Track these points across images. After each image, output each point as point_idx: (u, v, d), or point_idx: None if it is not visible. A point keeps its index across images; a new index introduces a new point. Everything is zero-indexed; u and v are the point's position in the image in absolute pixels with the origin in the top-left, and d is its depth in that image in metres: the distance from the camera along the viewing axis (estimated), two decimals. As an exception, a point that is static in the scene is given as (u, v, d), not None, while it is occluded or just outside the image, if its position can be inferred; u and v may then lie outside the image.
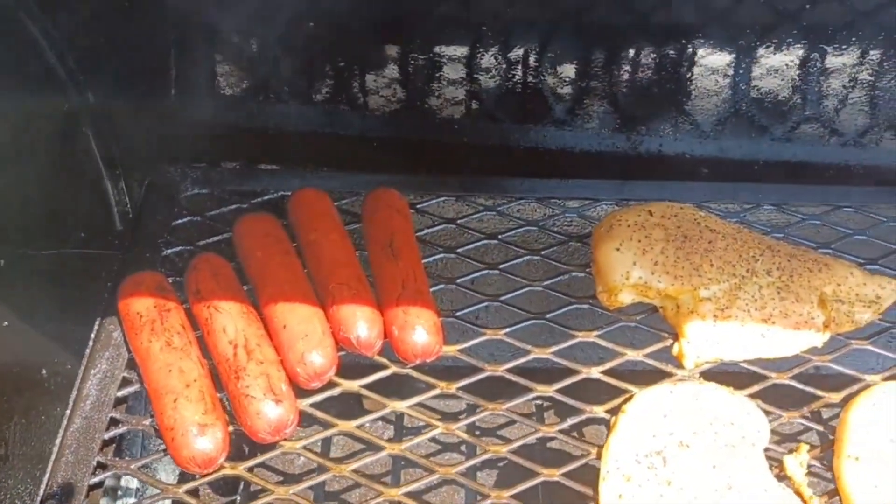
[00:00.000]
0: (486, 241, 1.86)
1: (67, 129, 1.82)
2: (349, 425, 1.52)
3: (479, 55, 1.95)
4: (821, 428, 1.56)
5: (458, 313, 1.69)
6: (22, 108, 1.66)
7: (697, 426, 1.45)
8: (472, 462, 1.51)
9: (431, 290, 1.68)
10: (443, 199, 1.95)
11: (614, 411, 1.53)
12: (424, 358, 1.55)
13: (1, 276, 1.57)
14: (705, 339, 1.60)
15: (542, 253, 1.83)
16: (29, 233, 1.68)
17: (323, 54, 1.96)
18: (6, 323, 1.57)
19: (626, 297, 1.66)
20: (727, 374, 1.61)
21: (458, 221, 1.90)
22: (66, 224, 1.81)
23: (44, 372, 1.70)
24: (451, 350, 1.61)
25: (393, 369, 1.59)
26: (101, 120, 1.85)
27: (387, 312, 1.58)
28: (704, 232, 1.71)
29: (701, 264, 1.65)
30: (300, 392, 1.52)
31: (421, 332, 1.54)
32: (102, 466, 1.44)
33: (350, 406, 1.87)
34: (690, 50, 1.93)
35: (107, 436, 1.47)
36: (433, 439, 1.54)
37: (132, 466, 1.45)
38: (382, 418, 1.58)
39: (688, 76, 1.97)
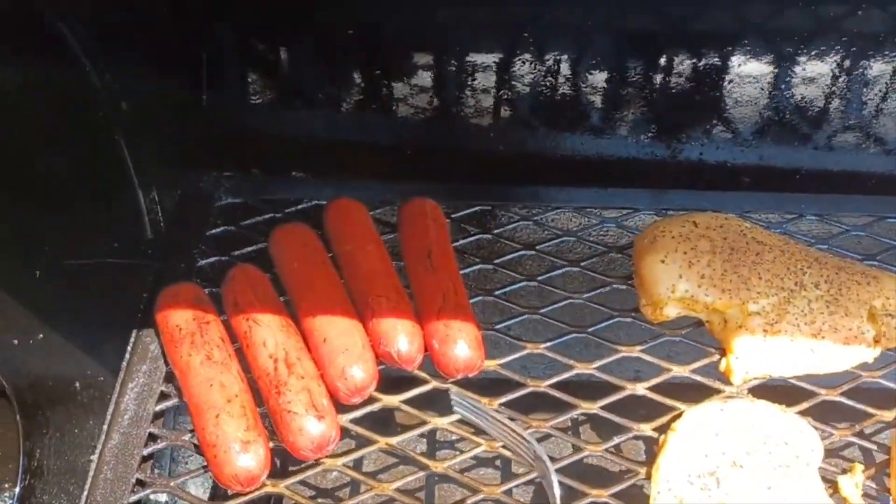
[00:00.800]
0: (523, 252, 1.82)
1: (100, 137, 1.80)
2: (389, 441, 1.49)
3: (513, 62, 1.92)
4: (873, 447, 1.52)
5: (497, 326, 1.66)
6: (55, 118, 1.65)
7: (750, 445, 1.41)
8: (516, 481, 1.47)
9: (472, 300, 1.65)
10: (477, 208, 1.92)
11: (662, 429, 1.49)
12: (466, 373, 1.52)
13: (36, 287, 1.55)
14: (754, 355, 1.56)
15: (582, 264, 1.79)
16: (63, 243, 1.66)
17: (357, 61, 1.93)
18: (41, 335, 1.55)
19: (671, 311, 1.63)
20: (775, 390, 1.57)
21: (494, 231, 1.87)
22: (99, 234, 1.79)
23: (77, 385, 1.67)
24: (491, 364, 1.58)
25: (433, 384, 1.56)
26: (134, 128, 1.83)
27: (427, 326, 1.55)
28: (751, 244, 1.67)
29: (749, 277, 1.61)
30: (341, 406, 1.49)
31: (463, 346, 1.51)
32: (141, 483, 1.42)
33: (383, 418, 1.84)
34: (730, 57, 1.89)
35: (145, 451, 1.44)
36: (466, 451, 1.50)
37: (171, 484, 1.42)
38: (417, 432, 1.54)
39: (728, 83, 1.93)
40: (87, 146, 1.75)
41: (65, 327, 1.61)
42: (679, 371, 1.59)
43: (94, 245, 1.74)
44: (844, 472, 1.45)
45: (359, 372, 1.46)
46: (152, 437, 1.47)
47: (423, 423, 1.52)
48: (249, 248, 1.77)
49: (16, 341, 1.47)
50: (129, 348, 1.59)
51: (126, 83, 1.78)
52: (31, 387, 1.52)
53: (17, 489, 1.47)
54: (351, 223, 1.73)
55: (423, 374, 1.56)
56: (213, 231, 1.82)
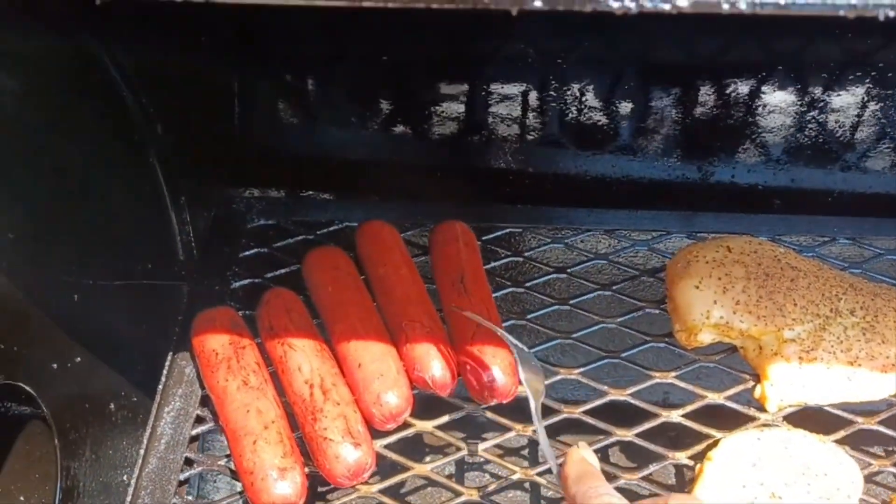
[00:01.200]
0: (554, 275, 1.82)
1: (135, 159, 1.82)
2: (424, 469, 1.48)
3: (543, 91, 1.92)
4: (913, 477, 1.50)
5: (530, 350, 1.65)
6: (92, 140, 1.67)
7: (789, 476, 1.39)
8: (551, 509, 1.47)
9: (504, 324, 1.65)
10: (507, 230, 1.92)
11: (697, 457, 1.48)
12: (500, 399, 1.52)
13: (75, 311, 1.57)
14: (789, 382, 1.55)
15: (613, 288, 1.79)
16: (100, 266, 1.67)
17: (387, 87, 1.94)
18: (79, 359, 1.56)
19: (705, 337, 1.62)
20: (811, 418, 1.56)
21: (525, 254, 1.87)
22: (134, 256, 1.80)
23: (112, 406, 1.69)
24: (523, 391, 1.57)
25: (467, 409, 1.55)
26: (168, 150, 1.85)
27: (461, 351, 1.55)
28: (786, 269, 1.66)
29: (784, 304, 1.60)
30: (375, 433, 1.49)
31: (497, 372, 1.51)
32: (178, 508, 1.42)
33: (416, 443, 1.84)
34: (760, 87, 1.88)
35: (182, 476, 1.45)
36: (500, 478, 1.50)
37: (208, 510, 1.43)
38: (451, 458, 1.54)
39: (758, 110, 1.92)
40: (123, 169, 1.77)
41: (101, 349, 1.62)
42: (714, 397, 1.58)
43: (129, 267, 1.76)
44: (885, 503, 1.43)
45: (394, 398, 1.46)
46: (188, 462, 1.47)
47: (457, 448, 1.52)
48: (282, 271, 1.78)
49: (55, 365, 1.49)
50: (164, 371, 1.60)
51: (161, 107, 1.80)
52: (68, 409, 1.53)
53: (55, 508, 1.48)
54: (383, 246, 1.74)
55: (456, 400, 1.56)
56: (246, 253, 1.83)
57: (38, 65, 1.54)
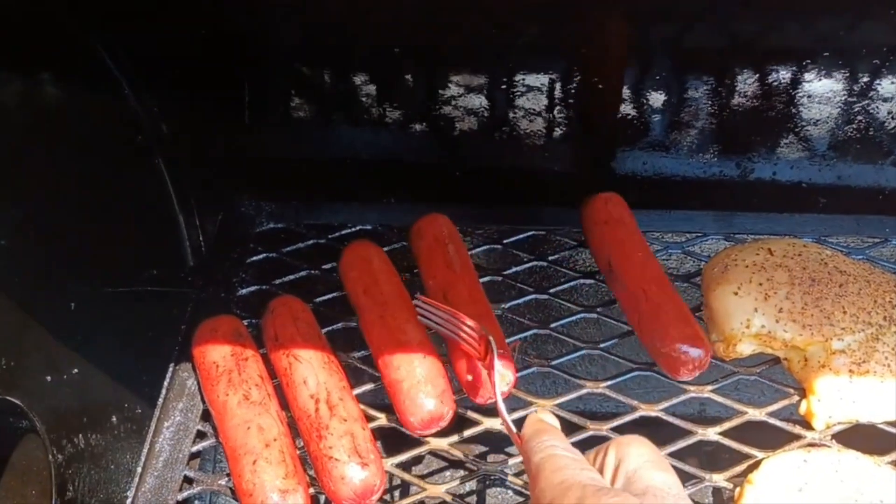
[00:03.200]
0: (581, 281, 1.71)
1: (140, 161, 1.75)
2: (438, 489, 1.38)
3: (568, 82, 1.80)
4: (978, 502, 1.35)
5: (553, 362, 1.54)
6: (93, 140, 1.60)
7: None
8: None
9: (523, 335, 1.55)
10: (531, 233, 1.81)
11: (736, 480, 1.36)
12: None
13: (71, 319, 1.50)
14: (839, 398, 1.41)
15: (645, 294, 1.66)
16: (100, 272, 1.60)
17: (403, 81, 1.84)
18: (76, 370, 1.49)
19: (745, 348, 1.49)
20: (862, 437, 1.43)
21: (550, 258, 1.76)
22: (139, 261, 1.73)
23: (114, 419, 1.61)
24: (547, 404, 1.46)
25: (485, 425, 1.45)
26: (174, 152, 1.78)
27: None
28: (833, 274, 1.52)
29: (832, 311, 1.46)
30: (386, 451, 1.39)
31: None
32: (175, 530, 1.34)
33: (430, 461, 1.74)
34: (804, 73, 1.74)
35: (180, 497, 1.36)
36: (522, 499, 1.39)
37: (206, 532, 1.34)
38: (468, 475, 1.43)
39: (802, 99, 1.78)
40: (125, 170, 1.70)
41: (101, 360, 1.55)
42: (754, 413, 1.45)
43: (132, 273, 1.69)
44: (947, 533, 1.29)
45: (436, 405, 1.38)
46: (188, 481, 1.39)
47: (475, 467, 1.42)
48: (291, 276, 1.69)
49: (49, 378, 1.42)
50: (165, 384, 1.52)
51: (166, 105, 1.73)
52: (65, 422, 1.46)
53: (52, 527, 1.41)
54: (438, 256, 1.64)
55: (475, 416, 1.45)
56: (254, 258, 1.75)
57: (38, 65, 1.48)
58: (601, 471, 1.08)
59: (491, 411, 1.46)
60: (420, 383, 1.37)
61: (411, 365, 1.38)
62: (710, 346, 1.47)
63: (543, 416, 1.20)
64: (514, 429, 1.20)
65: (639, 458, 1.07)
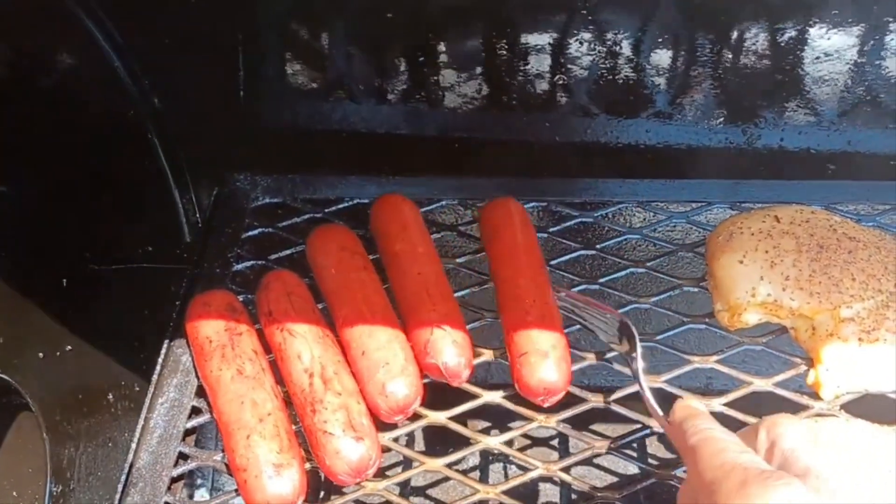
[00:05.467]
0: (582, 252, 1.67)
1: (132, 136, 1.73)
2: (436, 463, 1.36)
3: (569, 42, 1.75)
4: None
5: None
6: (84, 116, 1.57)
7: (847, 473, 1.22)
8: (577, 509, 1.32)
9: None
10: (532, 204, 1.77)
11: (742, 451, 1.32)
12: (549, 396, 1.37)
13: (63, 295, 1.48)
14: (847, 367, 1.37)
15: (648, 265, 1.63)
16: (93, 247, 1.59)
17: (399, 47, 1.79)
18: (69, 347, 1.48)
19: (751, 317, 1.45)
20: (872, 407, 1.39)
21: (551, 230, 1.72)
22: (133, 237, 1.72)
23: (110, 396, 1.61)
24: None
25: (484, 398, 1.42)
26: (168, 126, 1.75)
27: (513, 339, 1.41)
28: (842, 240, 1.47)
29: (841, 279, 1.42)
30: (383, 424, 1.36)
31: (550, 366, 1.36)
32: (170, 507, 1.32)
33: (430, 435, 1.72)
34: (813, 28, 1.68)
35: (175, 472, 1.34)
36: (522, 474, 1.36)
37: (202, 509, 1.32)
38: (468, 452, 1.40)
39: (810, 59, 1.72)
40: (118, 146, 1.67)
41: (95, 337, 1.54)
42: (761, 384, 1.41)
43: (126, 249, 1.67)
44: (960, 503, 1.25)
45: (401, 388, 1.33)
46: (183, 457, 1.37)
47: (474, 441, 1.39)
48: (287, 251, 1.66)
49: (41, 354, 1.41)
50: (159, 360, 1.49)
51: (158, 80, 1.70)
52: (59, 401, 1.46)
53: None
54: (400, 222, 1.60)
55: (474, 388, 1.42)
56: (250, 233, 1.72)
57: (25, 39, 1.46)
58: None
59: (491, 385, 1.44)
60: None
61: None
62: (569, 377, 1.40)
63: (691, 401, 1.22)
64: (660, 412, 1.25)
65: (794, 436, 1.06)
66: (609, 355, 1.46)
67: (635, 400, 1.38)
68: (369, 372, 1.34)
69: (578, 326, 1.48)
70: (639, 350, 1.35)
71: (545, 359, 1.36)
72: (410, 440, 1.40)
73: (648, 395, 1.29)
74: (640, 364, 1.34)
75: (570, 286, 1.54)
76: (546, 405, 1.38)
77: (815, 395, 1.40)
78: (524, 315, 1.41)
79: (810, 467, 1.01)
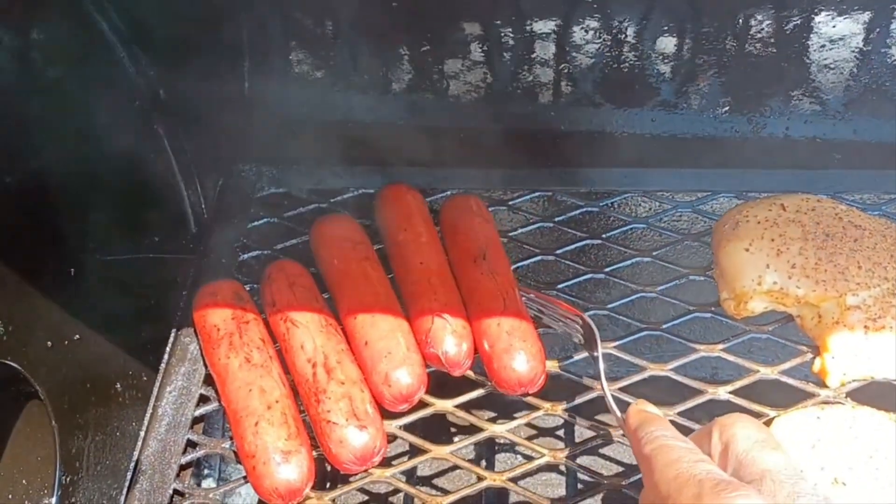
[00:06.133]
0: (587, 241, 1.67)
1: (138, 126, 1.73)
2: (443, 451, 1.36)
3: (573, 30, 1.74)
4: None
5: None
6: (91, 107, 1.57)
7: (853, 460, 1.23)
8: (583, 497, 1.32)
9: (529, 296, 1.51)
10: (537, 194, 1.78)
11: (748, 439, 1.32)
12: (528, 388, 1.37)
13: (71, 285, 1.48)
14: (853, 354, 1.38)
15: (654, 254, 1.63)
16: (101, 237, 1.59)
17: (403, 36, 1.79)
18: (77, 336, 1.48)
19: (757, 306, 1.45)
20: (879, 394, 1.39)
21: (556, 219, 1.72)
22: (140, 227, 1.72)
23: (118, 386, 1.61)
24: (553, 365, 1.44)
25: (490, 386, 1.42)
26: (173, 117, 1.75)
27: (484, 332, 1.41)
28: (848, 228, 1.48)
29: (847, 266, 1.42)
30: (389, 412, 1.37)
31: (522, 359, 1.36)
32: (180, 494, 1.33)
33: (436, 422, 1.72)
34: (819, 14, 1.67)
35: (183, 460, 1.35)
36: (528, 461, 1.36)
37: (211, 496, 1.33)
38: (474, 439, 1.41)
39: (816, 46, 1.71)
40: (124, 136, 1.67)
41: (103, 326, 1.54)
42: (766, 372, 1.42)
43: (133, 239, 1.67)
44: (965, 490, 1.25)
45: (404, 377, 1.34)
46: (191, 444, 1.38)
47: (480, 429, 1.39)
48: (293, 241, 1.67)
49: (49, 343, 1.41)
50: (167, 349, 1.50)
51: (163, 70, 1.70)
52: (67, 389, 1.46)
53: (56, 493, 1.41)
54: (405, 212, 1.61)
55: (480, 377, 1.43)
56: (256, 223, 1.72)
57: (32, 30, 1.46)
58: (708, 456, 1.05)
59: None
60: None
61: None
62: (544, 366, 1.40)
63: (645, 406, 1.19)
64: (619, 415, 1.21)
65: (747, 439, 1.04)
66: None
67: (644, 389, 1.39)
68: (372, 361, 1.34)
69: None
70: (600, 351, 1.33)
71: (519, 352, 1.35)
72: (414, 427, 1.39)
73: (610, 399, 1.27)
74: (601, 365, 1.31)
75: (539, 288, 1.53)
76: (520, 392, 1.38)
77: (821, 383, 1.40)
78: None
79: (765, 471, 0.98)
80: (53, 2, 1.47)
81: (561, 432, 1.91)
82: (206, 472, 1.83)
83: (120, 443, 1.57)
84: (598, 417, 1.62)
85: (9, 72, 1.42)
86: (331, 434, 1.26)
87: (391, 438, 1.36)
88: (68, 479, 1.44)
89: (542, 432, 1.92)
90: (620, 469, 1.85)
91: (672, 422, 1.36)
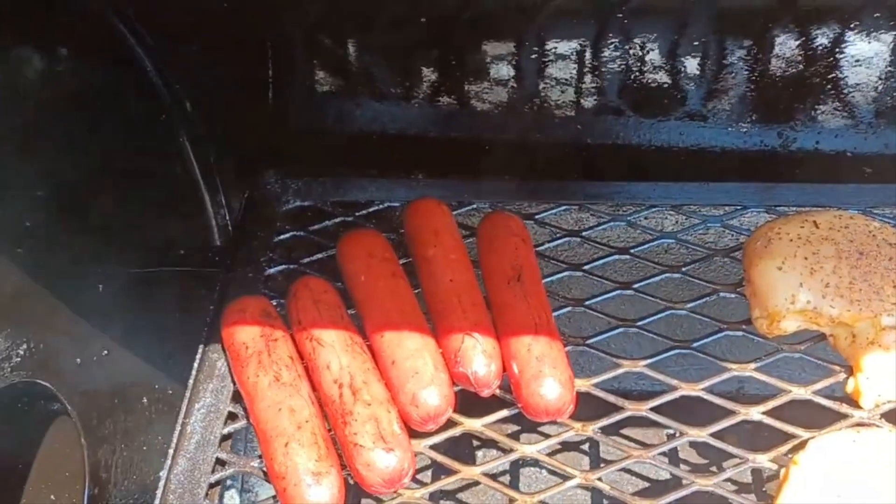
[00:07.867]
0: (616, 257, 1.66)
1: (164, 139, 1.73)
2: (473, 471, 1.35)
3: (601, 48, 1.73)
4: None
5: (589, 341, 1.50)
6: (118, 121, 1.57)
7: (892, 485, 1.21)
8: (614, 518, 1.31)
9: (556, 313, 1.50)
10: (563, 208, 1.76)
11: (781, 461, 1.31)
12: (555, 417, 1.36)
13: (99, 301, 1.48)
14: (888, 375, 1.36)
15: (683, 270, 1.61)
16: (127, 251, 1.59)
17: (430, 51, 1.78)
18: (105, 352, 1.48)
19: (789, 325, 1.43)
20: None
21: (583, 234, 1.70)
22: (165, 241, 1.71)
23: (145, 400, 1.61)
24: (583, 385, 1.42)
25: (517, 408, 1.41)
26: (198, 130, 1.75)
27: (516, 356, 1.39)
28: (882, 246, 1.45)
29: (882, 286, 1.40)
30: (416, 431, 1.36)
31: (554, 386, 1.34)
32: (209, 513, 1.33)
33: (466, 442, 1.71)
34: (849, 33, 1.66)
35: (213, 479, 1.35)
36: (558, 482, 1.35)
37: (240, 515, 1.33)
38: (504, 459, 1.40)
39: (846, 61, 1.70)
40: (150, 150, 1.67)
41: (130, 341, 1.54)
42: (799, 392, 1.40)
43: (158, 253, 1.67)
44: None
45: (432, 398, 1.33)
46: (220, 463, 1.37)
47: (510, 449, 1.38)
48: (319, 255, 1.66)
49: (79, 360, 1.41)
50: (195, 365, 1.50)
51: (189, 84, 1.70)
52: (96, 405, 1.46)
53: (85, 508, 1.41)
54: (434, 226, 1.59)
55: (509, 396, 1.42)
56: (281, 237, 1.72)
57: (59, 44, 1.46)
58: None
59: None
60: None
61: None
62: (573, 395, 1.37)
63: None
64: None
65: None
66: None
67: (674, 409, 1.37)
68: (399, 381, 1.34)
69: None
70: None
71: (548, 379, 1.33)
72: (447, 447, 1.38)
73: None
74: None
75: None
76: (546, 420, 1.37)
77: (855, 404, 1.38)
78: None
79: None
80: (84, 19, 1.47)
81: (586, 446, 1.89)
82: (228, 482, 1.83)
83: (147, 457, 1.57)
84: (625, 433, 1.61)
85: (37, 86, 1.42)
86: (358, 457, 1.25)
87: (418, 454, 1.35)
88: (97, 494, 1.44)
89: (567, 447, 1.90)
90: (646, 485, 1.84)
91: (703, 443, 1.37)
